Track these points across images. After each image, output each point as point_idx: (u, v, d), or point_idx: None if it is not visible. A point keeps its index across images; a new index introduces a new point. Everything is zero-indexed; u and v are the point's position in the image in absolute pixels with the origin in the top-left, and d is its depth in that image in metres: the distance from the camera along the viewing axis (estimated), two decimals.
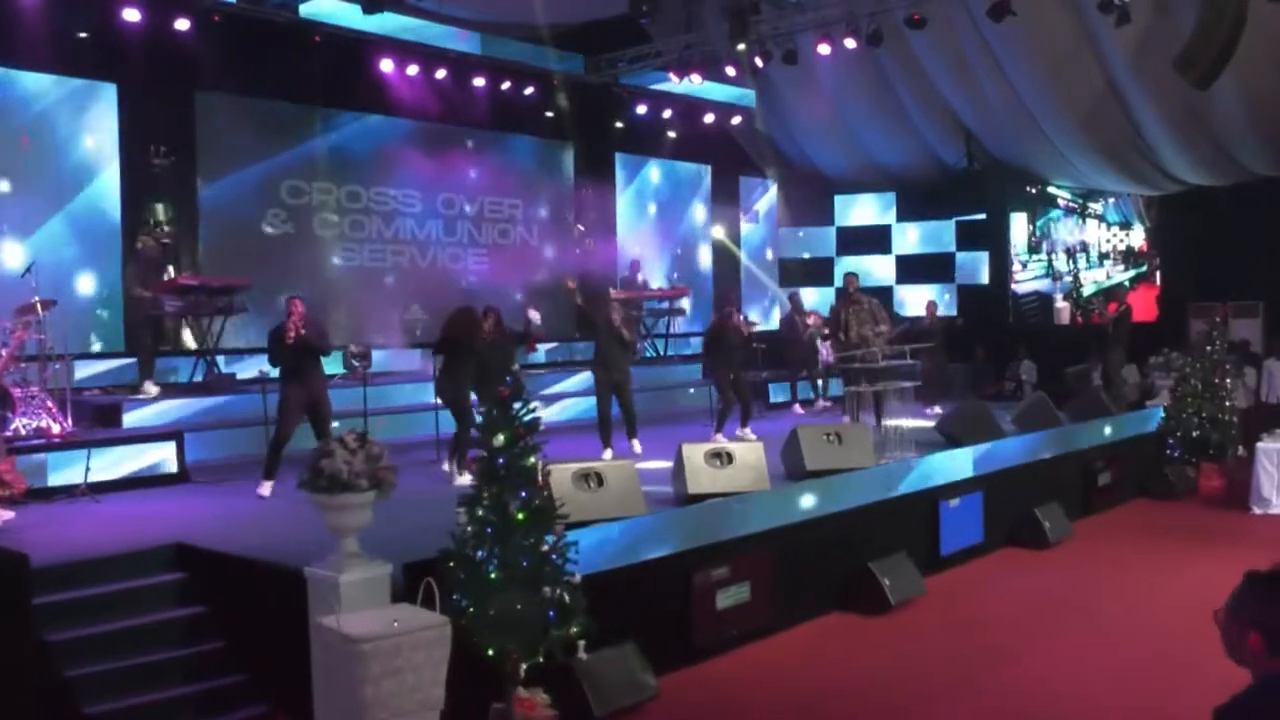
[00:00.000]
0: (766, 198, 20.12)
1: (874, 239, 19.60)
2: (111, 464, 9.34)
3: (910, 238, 19.50)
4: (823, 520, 8.32)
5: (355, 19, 12.41)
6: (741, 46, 13.07)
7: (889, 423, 10.67)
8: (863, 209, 19.82)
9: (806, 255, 20.07)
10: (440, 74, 13.86)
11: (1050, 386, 15.86)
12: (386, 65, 13.28)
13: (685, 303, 17.00)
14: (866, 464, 9.00)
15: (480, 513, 5.52)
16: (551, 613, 5.48)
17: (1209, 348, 13.15)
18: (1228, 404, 13.11)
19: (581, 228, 16.61)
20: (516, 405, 5.61)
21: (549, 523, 5.60)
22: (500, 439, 5.52)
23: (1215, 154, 16.89)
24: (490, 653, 5.45)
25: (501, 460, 5.52)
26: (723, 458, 8.03)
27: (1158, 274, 19.48)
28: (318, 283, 13.56)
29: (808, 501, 8.20)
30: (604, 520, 6.90)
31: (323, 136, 13.60)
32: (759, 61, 13.70)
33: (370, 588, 5.50)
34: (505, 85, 14.58)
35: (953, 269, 19.13)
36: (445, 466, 9.51)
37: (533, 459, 5.56)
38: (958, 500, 9.73)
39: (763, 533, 7.81)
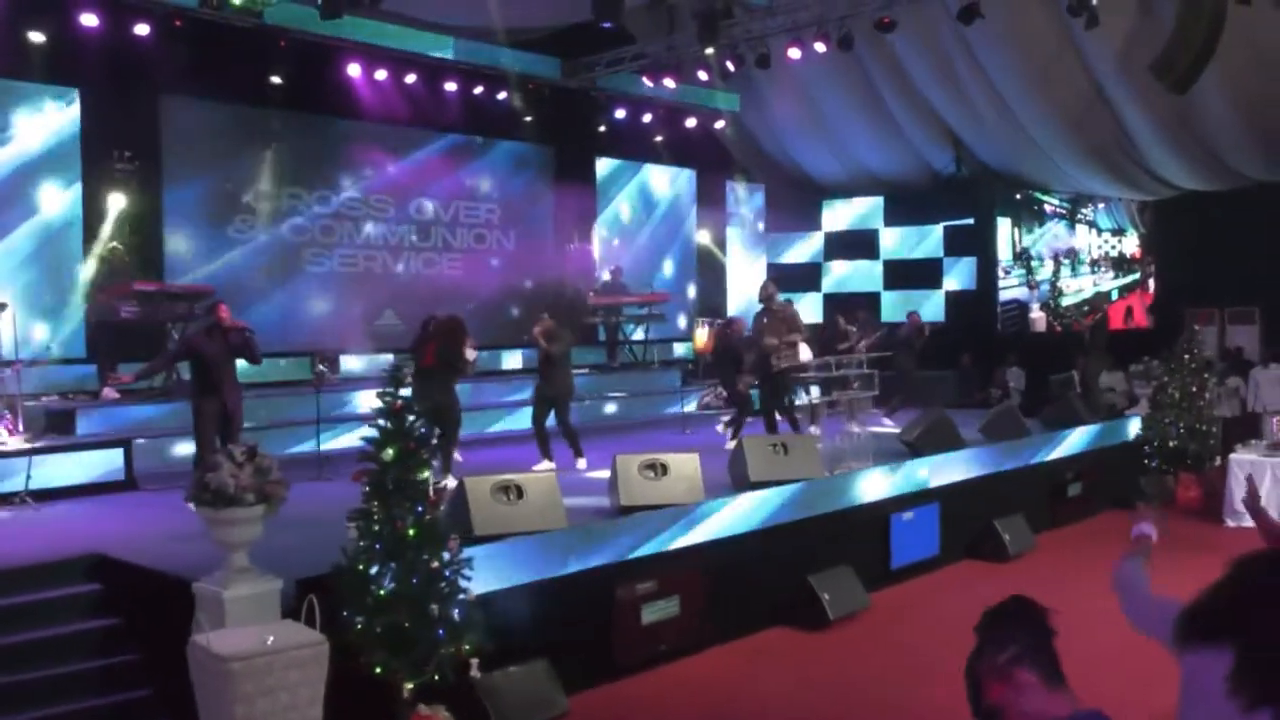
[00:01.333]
0: (753, 202, 19.96)
1: (862, 244, 19.41)
2: (60, 471, 9.30)
3: (899, 243, 19.31)
4: (760, 533, 8.17)
5: (322, 24, 12.33)
6: (711, 50, 12.93)
7: (857, 430, 10.51)
8: (851, 214, 19.63)
9: (793, 260, 19.91)
10: (411, 78, 13.80)
11: (1037, 394, 15.71)
12: (354, 70, 13.23)
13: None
14: (813, 475, 8.84)
15: (370, 528, 5.42)
16: (441, 631, 5.36)
17: (1187, 356, 12.89)
18: (1206, 413, 12.84)
19: (574, 244, 16.54)
20: (409, 419, 5.51)
21: (441, 539, 5.48)
22: (390, 453, 5.42)
23: (1207, 158, 16.64)
24: (378, 671, 5.34)
25: (391, 475, 5.42)
26: (657, 469, 7.89)
27: (1150, 281, 19.18)
28: (286, 288, 13.56)
29: (744, 514, 8.05)
30: (522, 533, 6.79)
31: (292, 141, 13.55)
32: (730, 66, 13.56)
33: (259, 603, 5.41)
34: (479, 90, 14.51)
35: (940, 275, 18.92)
36: None
37: (424, 474, 5.45)
38: (911, 513, 9.56)
39: (693, 546, 7.67)
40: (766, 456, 8.74)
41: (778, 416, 10.93)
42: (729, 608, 7.80)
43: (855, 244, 19.42)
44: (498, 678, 6.06)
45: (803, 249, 19.88)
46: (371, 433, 5.53)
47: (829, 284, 19.56)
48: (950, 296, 18.87)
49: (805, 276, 19.70)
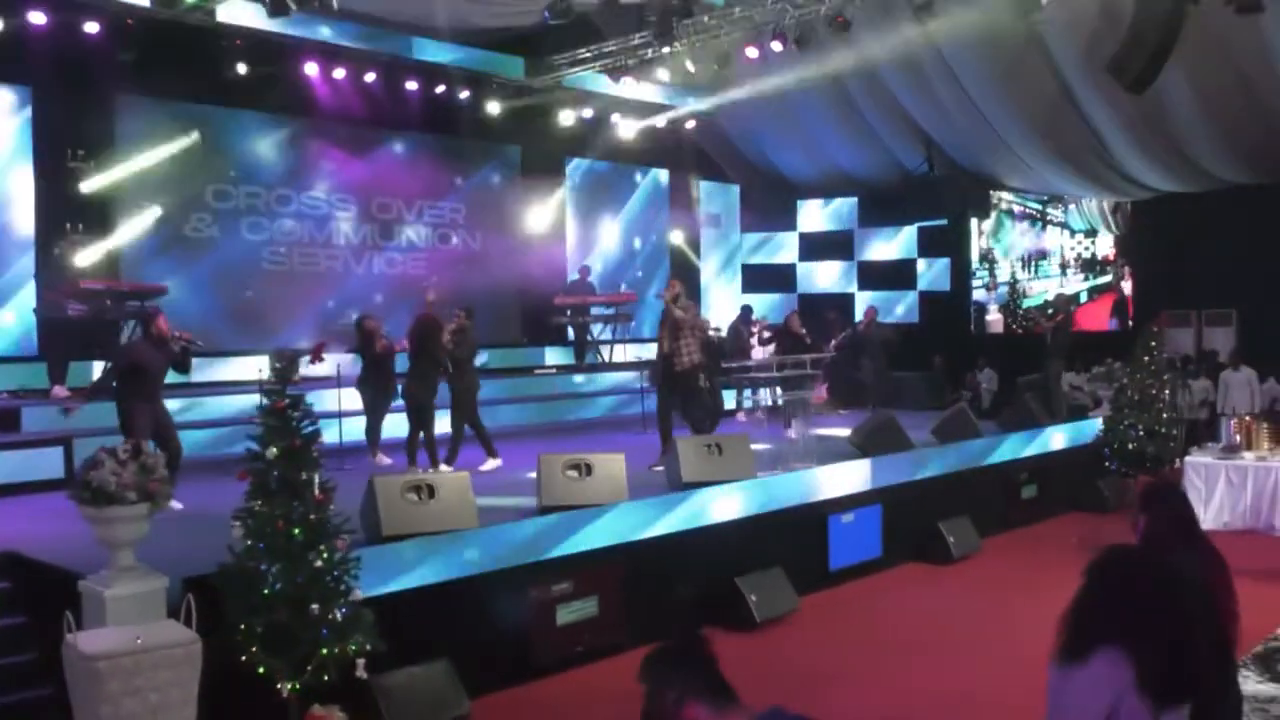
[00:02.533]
0: (728, 203, 19.91)
1: (836, 244, 19.34)
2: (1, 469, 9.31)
3: (872, 244, 19.23)
4: (687, 534, 8.11)
5: (276, 23, 12.29)
6: (667, 49, 12.87)
7: (795, 433, 10.45)
8: (825, 214, 19.55)
9: (767, 260, 19.85)
10: (371, 77, 13.76)
11: (1007, 396, 15.63)
12: (312, 69, 13.20)
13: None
14: (747, 476, 8.77)
15: (254, 527, 5.37)
16: (325, 631, 5.31)
17: (1146, 358, 12.78)
18: (1165, 415, 12.73)
19: (542, 243, 16.53)
20: (295, 416, 5.46)
21: (326, 538, 5.43)
22: (274, 451, 5.37)
23: (1176, 159, 16.50)
24: (261, 671, 5.29)
25: (276, 474, 5.37)
26: (581, 469, 7.83)
27: (1123, 283, 19.06)
28: (246, 286, 13.54)
29: (669, 514, 8.00)
30: (432, 533, 6.74)
31: (250, 140, 13.55)
32: (690, 66, 13.50)
33: (142, 602, 5.37)
34: (440, 89, 14.46)
35: (914, 276, 18.85)
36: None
37: (307, 473, 5.40)
38: (851, 514, 9.49)
39: (616, 546, 7.62)
40: (700, 457, 8.68)
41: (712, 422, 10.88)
42: (654, 609, 7.73)
43: (829, 245, 19.34)
44: (396, 678, 6.01)
45: (777, 250, 19.80)
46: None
47: (803, 285, 19.48)
48: (924, 298, 18.79)
49: (780, 277, 19.63)
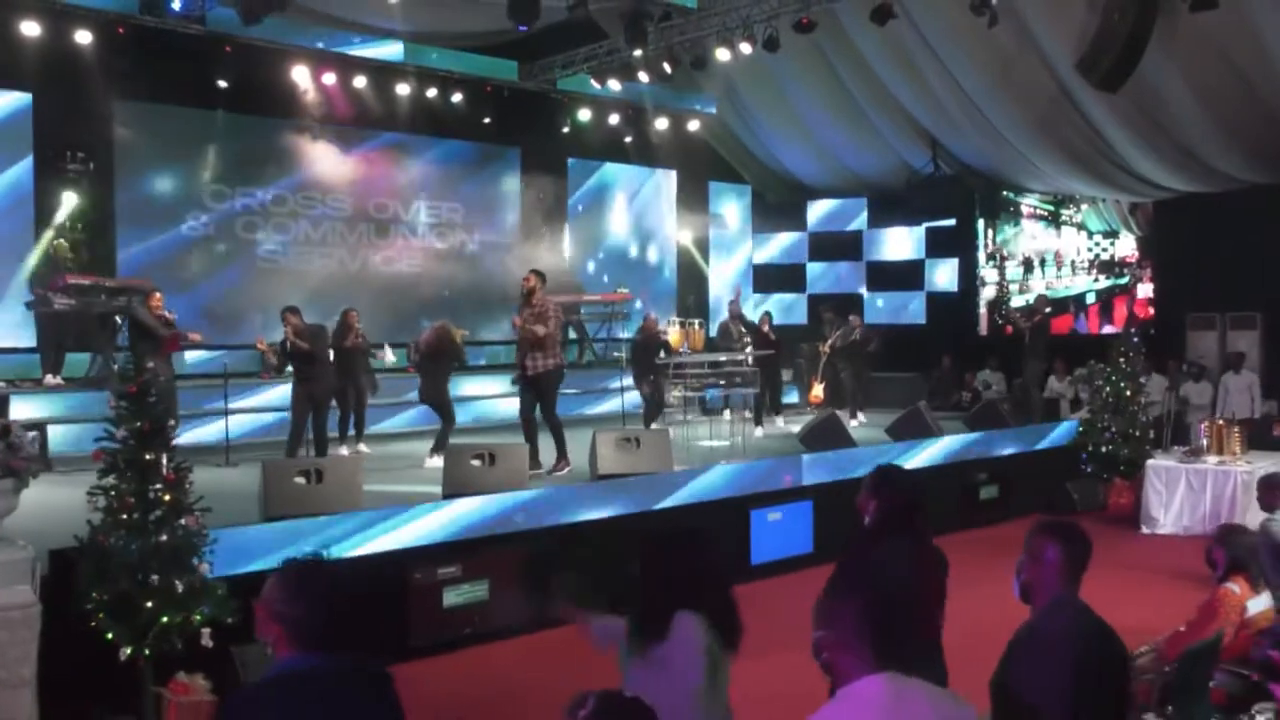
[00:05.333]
0: (739, 202, 20.03)
1: (845, 245, 19.32)
2: None
3: (881, 244, 19.17)
4: (589, 523, 8.33)
5: (270, 29, 12.80)
6: (639, 52, 13.09)
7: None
8: (834, 214, 19.54)
9: (779, 260, 19.92)
10: (361, 81, 14.22)
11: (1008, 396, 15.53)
12: (302, 73, 13.69)
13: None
14: (664, 469, 8.96)
15: (109, 503, 5.76)
16: (168, 601, 5.67)
17: (1121, 360, 12.61)
18: (1140, 419, 12.55)
19: (543, 243, 16.90)
20: (149, 399, 5.84)
21: (175, 515, 5.80)
22: (124, 433, 5.75)
23: (1184, 158, 16.14)
24: (109, 638, 5.68)
25: (126, 454, 5.75)
26: (485, 458, 8.13)
27: (1138, 285, 18.68)
28: (240, 283, 14.11)
29: (568, 503, 8.23)
30: (320, 514, 7.09)
31: (245, 141, 14.11)
32: (667, 67, 13.69)
33: (7, 570, 5.78)
34: (431, 92, 14.86)
35: (923, 276, 18.74)
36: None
37: (154, 454, 5.77)
38: (779, 510, 9.59)
39: (511, 534, 7.88)
40: (617, 449, 8.91)
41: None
42: (549, 596, 7.95)
43: (839, 244, 19.33)
44: (257, 648, 6.34)
45: (787, 249, 19.84)
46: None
47: (813, 284, 19.51)
48: (932, 298, 18.67)
49: (790, 277, 19.68)
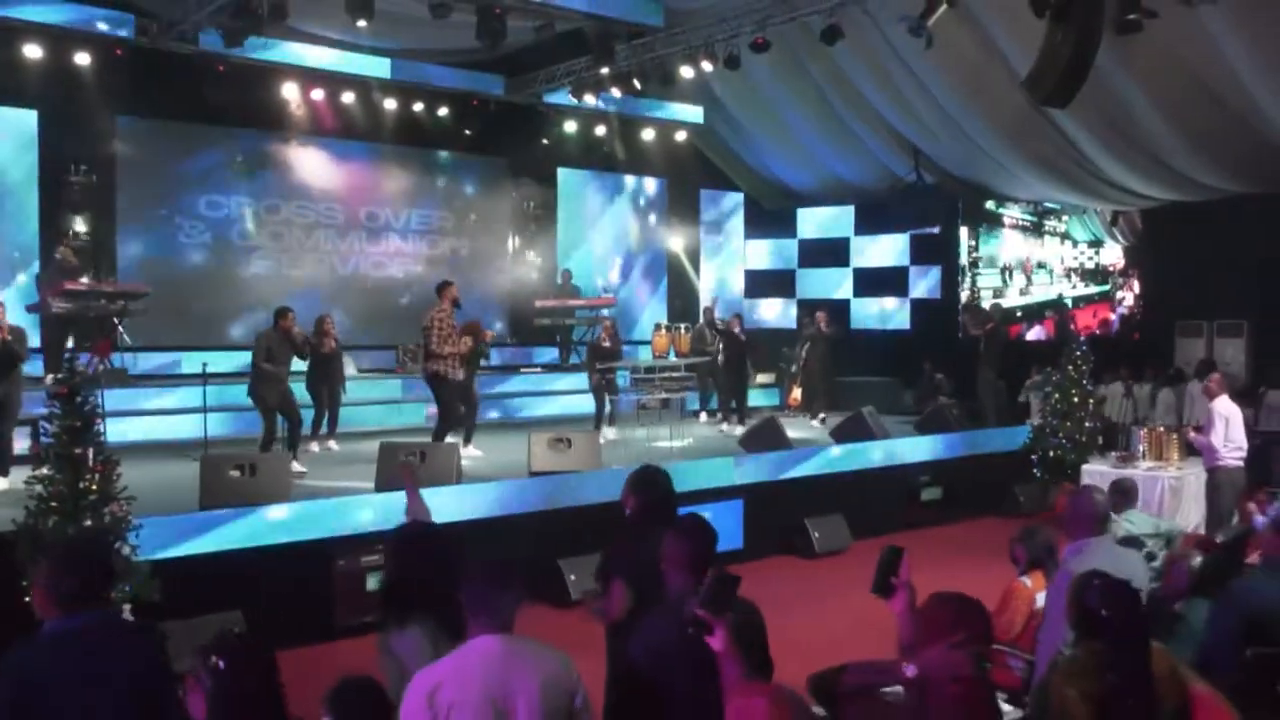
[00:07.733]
0: (730, 210, 20.56)
1: (833, 251, 19.77)
2: None
3: (867, 251, 19.59)
4: (515, 517, 8.97)
5: (258, 48, 13.55)
6: (605, 70, 13.68)
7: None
8: (823, 222, 19.99)
9: (770, 266, 20.42)
10: (349, 98, 14.95)
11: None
12: (292, 90, 14.46)
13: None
14: (592, 468, 9.56)
15: (42, 492, 6.49)
16: None
17: (1070, 366, 12.98)
18: (1087, 425, 12.90)
19: (532, 251, 17.63)
20: (79, 399, 6.56)
21: (101, 502, 6.51)
22: (57, 428, 6.48)
23: (1157, 168, 16.39)
24: None
25: (58, 447, 6.48)
26: (416, 455, 8.78)
27: (1119, 293, 18.93)
28: (235, 289, 14.92)
29: (489, 498, 8.87)
30: (248, 505, 7.79)
31: (241, 155, 14.93)
32: (637, 83, 14.26)
33: None
34: (418, 106, 15.56)
35: (907, 283, 19.13)
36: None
37: (82, 448, 6.48)
38: (709, 508, 10.11)
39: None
40: (549, 450, 9.53)
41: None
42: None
43: (827, 251, 19.78)
44: (178, 623, 7.04)
45: (778, 255, 20.33)
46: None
47: (803, 290, 19.98)
48: (916, 305, 19.05)
49: (780, 283, 20.16)
